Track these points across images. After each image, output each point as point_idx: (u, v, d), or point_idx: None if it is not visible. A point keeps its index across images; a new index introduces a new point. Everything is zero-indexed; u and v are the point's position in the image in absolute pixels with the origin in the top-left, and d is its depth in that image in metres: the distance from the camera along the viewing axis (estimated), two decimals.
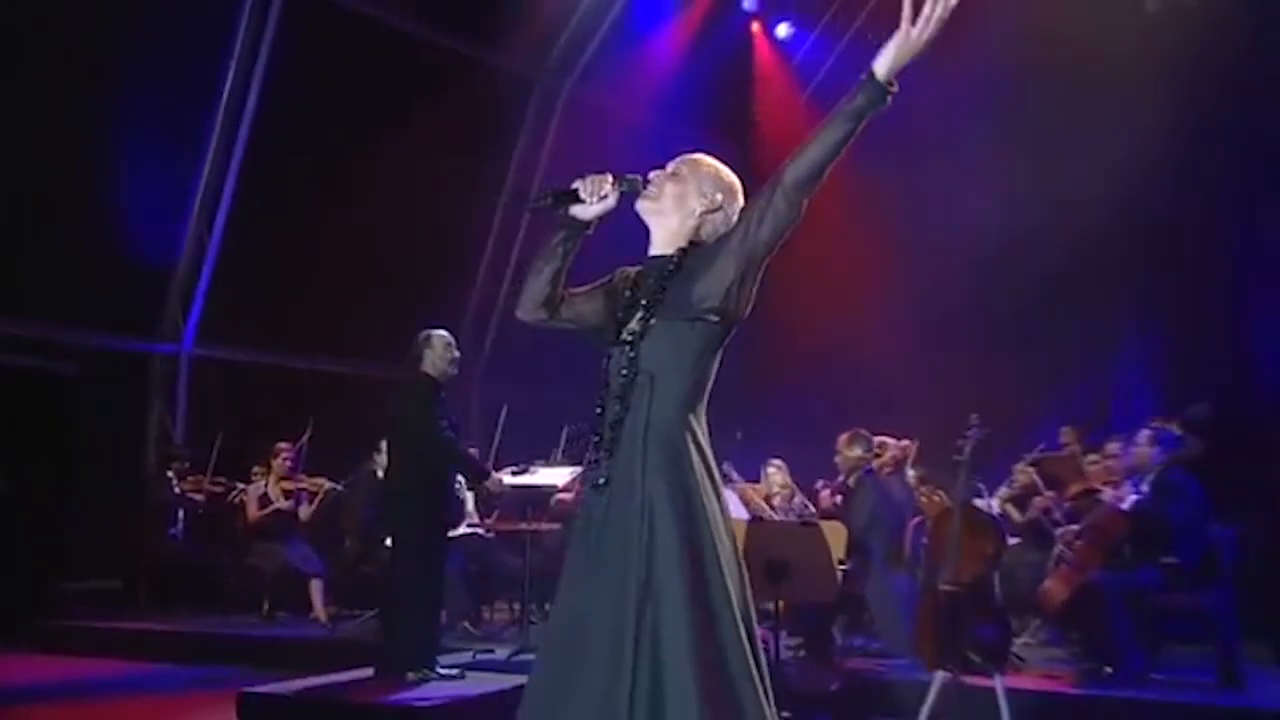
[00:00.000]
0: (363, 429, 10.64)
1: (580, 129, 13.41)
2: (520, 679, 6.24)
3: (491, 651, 7.29)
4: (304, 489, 9.96)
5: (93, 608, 10.27)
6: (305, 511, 9.82)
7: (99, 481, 10.93)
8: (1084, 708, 6.22)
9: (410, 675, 6.14)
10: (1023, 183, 10.82)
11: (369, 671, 6.43)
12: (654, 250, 3.09)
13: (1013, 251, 11.24)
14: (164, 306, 11.48)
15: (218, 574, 10.38)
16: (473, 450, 8.82)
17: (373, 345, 12.16)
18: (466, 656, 6.88)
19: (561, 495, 8.81)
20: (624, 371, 2.93)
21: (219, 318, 11.63)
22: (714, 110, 13.57)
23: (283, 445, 10.16)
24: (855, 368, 12.09)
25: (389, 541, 6.85)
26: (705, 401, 2.97)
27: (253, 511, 9.98)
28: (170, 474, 10.55)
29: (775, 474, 8.94)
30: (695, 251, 3.02)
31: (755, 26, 13.45)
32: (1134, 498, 6.76)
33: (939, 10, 2.60)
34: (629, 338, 2.96)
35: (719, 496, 2.91)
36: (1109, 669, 6.49)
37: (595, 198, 3.03)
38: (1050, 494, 8.06)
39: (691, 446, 2.87)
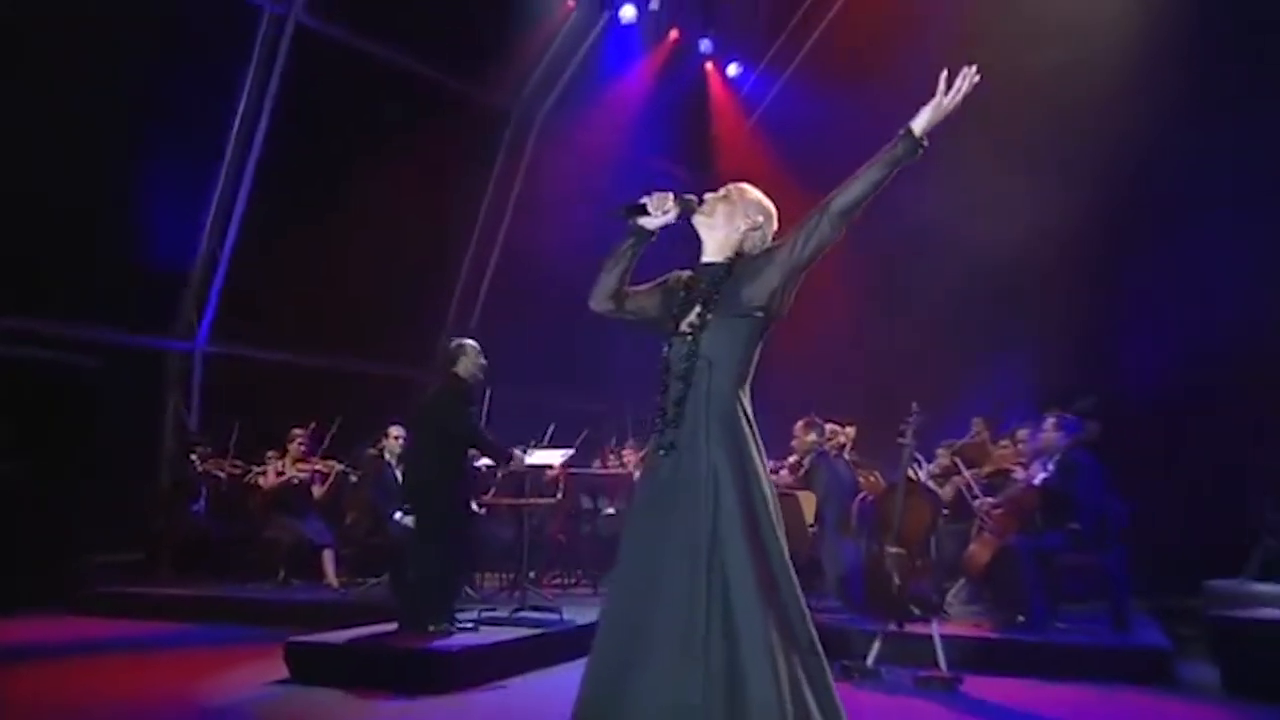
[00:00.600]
0: (359, 418, 10.86)
1: (552, 155, 13.45)
2: (522, 632, 6.68)
3: (494, 610, 7.36)
4: (318, 470, 9.96)
5: (118, 577, 10.16)
6: (318, 490, 9.84)
7: (120, 466, 10.82)
8: (1002, 649, 6.49)
9: (432, 628, 6.30)
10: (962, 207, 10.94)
11: (393, 626, 6.55)
12: (706, 258, 3.36)
13: (950, 268, 11.24)
14: (179, 308, 11.41)
15: (237, 546, 10.33)
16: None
17: (369, 344, 12.44)
18: (473, 614, 6.98)
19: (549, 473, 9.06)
20: (686, 357, 3.17)
21: (230, 318, 11.58)
22: (673, 139, 13.63)
23: (297, 431, 10.15)
24: (807, 363, 12.11)
25: (413, 516, 6.92)
26: (750, 382, 3.21)
27: (269, 479, 9.96)
28: (193, 456, 10.48)
29: None
30: (742, 261, 3.28)
31: (709, 66, 13.53)
32: (1043, 474, 7.11)
33: (965, 87, 2.96)
34: (689, 330, 3.20)
35: (762, 458, 3.15)
36: (1021, 618, 6.83)
37: (660, 212, 3.28)
38: (969, 473, 8.23)
39: (742, 418, 3.13)
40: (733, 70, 13.54)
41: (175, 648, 7.82)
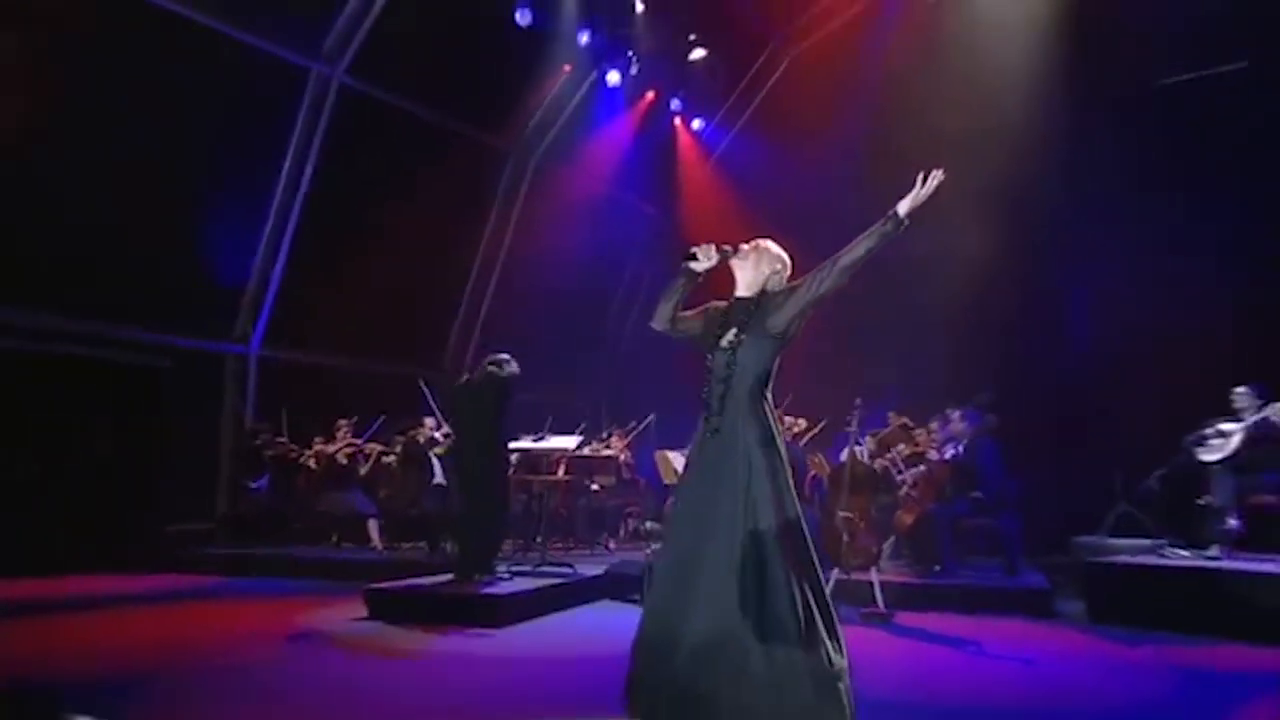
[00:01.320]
0: (383, 410, 11.08)
1: (545, 190, 13.46)
2: (546, 581, 7.10)
3: (521, 565, 7.63)
4: (362, 452, 10.16)
5: (192, 542, 10.37)
6: (363, 469, 10.02)
7: (189, 450, 10.95)
8: (923, 591, 6.98)
9: (477, 576, 6.75)
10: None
11: (449, 577, 6.96)
12: (740, 292, 3.83)
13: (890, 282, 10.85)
14: (236, 317, 11.50)
15: (293, 516, 10.48)
16: None
17: (391, 349, 12.53)
18: (503, 568, 7.25)
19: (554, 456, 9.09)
20: (726, 366, 3.66)
21: (279, 327, 11.66)
22: (647, 178, 13.77)
23: (342, 421, 10.36)
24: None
25: (462, 490, 7.27)
26: (771, 385, 3.68)
27: (320, 460, 10.24)
28: (258, 441, 10.63)
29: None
30: (766, 297, 3.76)
31: (678, 121, 13.70)
32: (954, 454, 7.66)
33: (932, 185, 3.42)
34: (728, 346, 3.67)
35: (780, 437, 3.65)
36: (938, 567, 7.42)
37: (706, 258, 3.73)
38: (891, 454, 8.63)
39: (766, 409, 3.63)
40: (696, 124, 13.78)
41: (256, 596, 8.03)
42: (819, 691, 3.30)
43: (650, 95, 13.03)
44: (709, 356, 3.76)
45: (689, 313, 3.90)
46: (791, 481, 3.59)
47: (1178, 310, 9.23)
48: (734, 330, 3.70)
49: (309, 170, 11.29)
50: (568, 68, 12.24)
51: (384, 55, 11.18)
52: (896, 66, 11.71)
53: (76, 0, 9.01)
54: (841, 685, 3.35)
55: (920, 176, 3.48)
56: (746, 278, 3.82)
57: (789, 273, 3.87)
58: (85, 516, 9.67)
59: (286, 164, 11.25)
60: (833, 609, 3.51)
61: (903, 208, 3.51)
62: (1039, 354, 10.35)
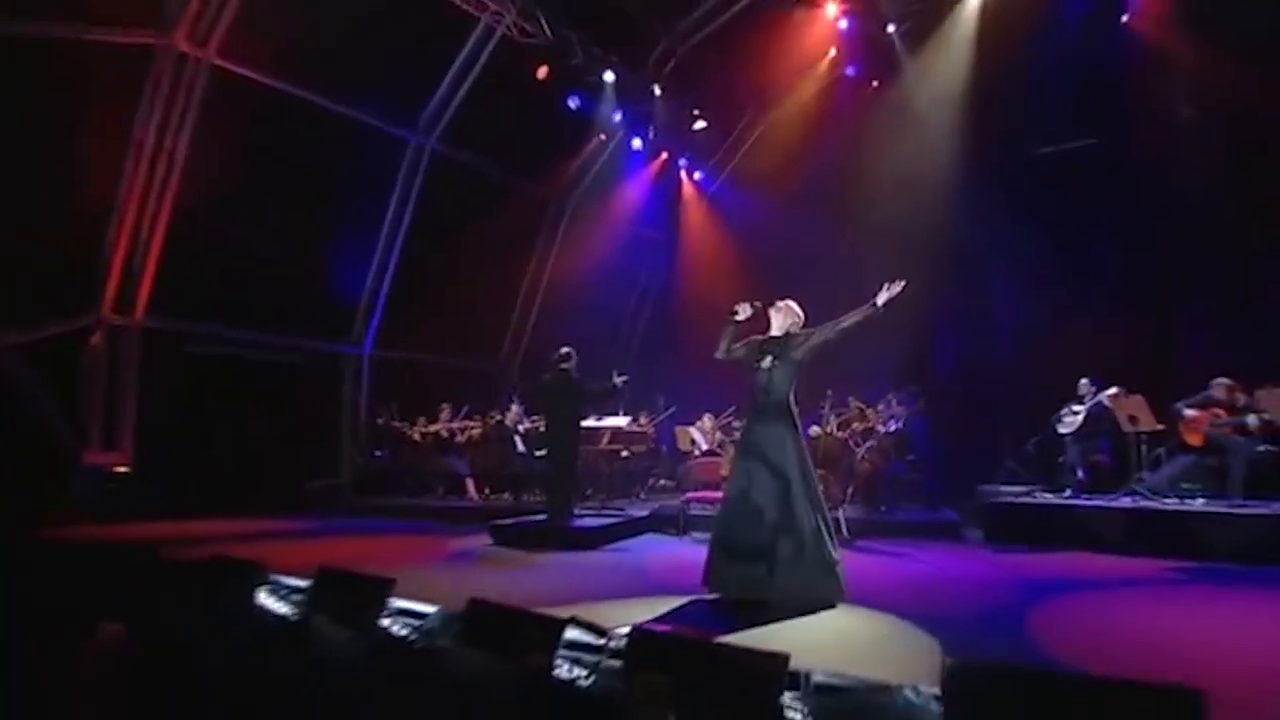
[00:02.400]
0: (462, 395, 12.08)
1: (580, 227, 14.37)
2: (610, 519, 8.19)
3: (588, 508, 8.74)
4: (462, 427, 11.14)
5: (328, 493, 11.39)
6: (461, 440, 10.99)
7: (318, 425, 12.08)
8: (873, 523, 7.89)
9: (560, 514, 7.80)
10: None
11: (543, 516, 8.05)
12: (772, 333, 4.90)
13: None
14: (353, 325, 12.50)
15: (406, 476, 11.42)
16: None
17: (466, 349, 13.62)
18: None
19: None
20: (766, 382, 4.77)
21: (386, 333, 12.67)
22: (658, 216, 14.48)
23: (444, 404, 11.36)
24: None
25: (549, 457, 8.12)
26: (793, 391, 4.70)
27: (425, 432, 11.23)
28: (379, 420, 11.65)
29: (707, 420, 10.30)
30: (789, 336, 4.84)
31: (684, 173, 14.40)
32: (894, 428, 8.80)
33: (896, 290, 4.47)
34: (767, 368, 4.78)
35: (798, 422, 4.75)
36: (883, 507, 8.42)
37: (744, 312, 4.85)
38: (851, 428, 9.30)
39: (793, 410, 4.73)
40: (697, 175, 14.47)
41: (393, 532, 8.76)
42: (823, 571, 4.66)
43: (664, 155, 13.85)
44: (754, 375, 4.91)
45: (738, 345, 5.05)
46: (805, 448, 4.91)
47: (1051, 320, 9.87)
48: (770, 358, 4.90)
49: (407, 214, 12.32)
50: (603, 136, 13.15)
51: (464, 128, 12.17)
52: (847, 131, 12.23)
53: (238, 95, 10.03)
54: (838, 569, 4.75)
55: (886, 285, 4.57)
56: (778, 323, 5.01)
57: (803, 320, 5.05)
58: (250, 472, 10.65)
59: (390, 209, 12.28)
60: (831, 526, 4.84)
61: (880, 300, 4.62)
62: (954, 352, 10.96)
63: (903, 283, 4.60)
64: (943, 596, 5.18)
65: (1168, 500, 7.10)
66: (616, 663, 3.31)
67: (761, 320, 5.11)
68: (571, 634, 3.45)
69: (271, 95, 10.33)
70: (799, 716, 2.70)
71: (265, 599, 4.91)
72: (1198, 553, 6.25)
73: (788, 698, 2.77)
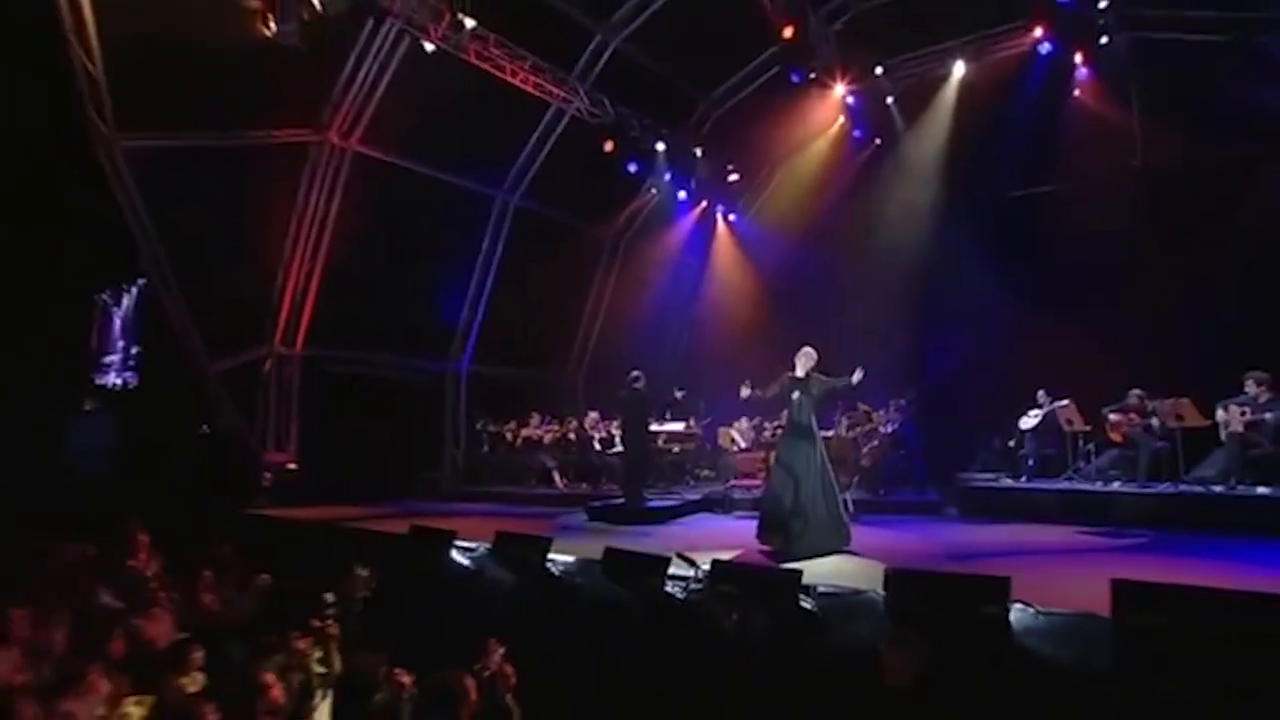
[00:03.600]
0: (537, 403, 13.89)
1: (632, 264, 15.94)
2: (673, 501, 9.88)
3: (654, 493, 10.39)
4: (548, 429, 12.84)
5: (434, 484, 13.02)
6: (550, 439, 12.72)
7: (427, 427, 13.85)
8: (873, 503, 9.30)
9: (636, 499, 9.59)
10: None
11: (621, 500, 9.78)
12: (797, 374, 6.61)
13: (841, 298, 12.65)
14: (451, 345, 14.27)
15: (503, 469, 13.14)
16: None
17: (541, 364, 15.35)
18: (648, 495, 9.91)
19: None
20: (797, 410, 6.56)
21: (478, 352, 14.41)
22: (697, 252, 15.75)
23: (534, 411, 13.14)
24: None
25: (626, 453, 9.97)
26: (815, 413, 6.54)
27: (519, 435, 12.98)
28: (479, 424, 13.52)
29: (744, 422, 11.53)
30: (810, 378, 6.54)
31: (719, 216, 15.45)
32: (893, 429, 10.33)
33: (859, 376, 6.33)
34: (795, 401, 6.53)
35: (817, 432, 6.51)
36: (882, 491, 9.85)
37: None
38: (858, 429, 10.75)
39: (814, 429, 6.45)
40: (732, 218, 15.48)
41: (501, 514, 9.82)
42: (837, 527, 6.56)
43: (704, 203, 15.21)
44: (788, 405, 6.79)
45: (773, 384, 6.92)
46: (824, 453, 6.74)
47: (1015, 339, 10.73)
48: (797, 393, 6.74)
49: (495, 255, 14.21)
50: (654, 190, 14.88)
51: (540, 186, 14.01)
52: (853, 179, 13.56)
53: (372, 172, 11.99)
54: (844, 530, 6.60)
55: (858, 370, 6.35)
56: (801, 366, 6.83)
57: (817, 360, 6.85)
58: (376, 466, 12.42)
59: (482, 251, 14.17)
60: (840, 503, 6.69)
61: (855, 378, 6.43)
62: (939, 366, 11.70)
63: (863, 372, 6.36)
64: (912, 549, 6.95)
65: (1095, 483, 8.77)
66: (701, 584, 5.21)
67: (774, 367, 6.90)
68: (672, 569, 5.36)
69: (395, 170, 12.33)
70: (810, 606, 4.58)
71: (454, 554, 6.90)
72: (1113, 521, 7.89)
73: (803, 598, 4.65)
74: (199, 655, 3.98)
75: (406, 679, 3.73)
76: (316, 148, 11.55)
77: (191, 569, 6.27)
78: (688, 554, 5.52)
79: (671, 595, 5.11)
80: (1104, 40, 10.91)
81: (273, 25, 8.67)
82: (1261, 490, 7.47)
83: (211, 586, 6.00)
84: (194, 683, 3.77)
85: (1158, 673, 3.37)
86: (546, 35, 12.09)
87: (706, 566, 5.14)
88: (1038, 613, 3.94)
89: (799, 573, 4.61)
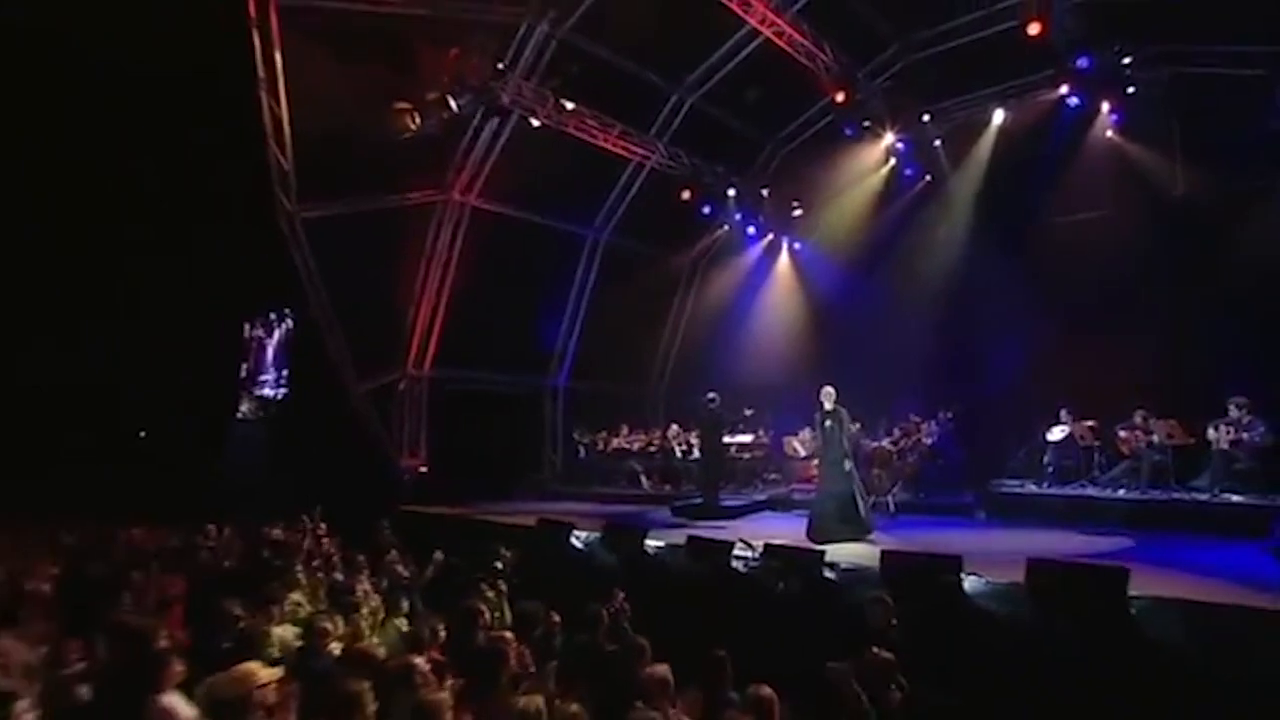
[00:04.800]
0: (624, 416, 16.08)
1: (708, 289, 17.78)
2: (741, 501, 11.68)
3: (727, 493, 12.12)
4: (635, 439, 14.95)
5: (537, 483, 15.33)
6: (637, 447, 14.74)
7: (529, 435, 16.09)
8: (913, 505, 10.84)
9: (711, 498, 11.38)
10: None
11: (700, 500, 11.60)
12: (826, 407, 8.62)
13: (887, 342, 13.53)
14: (550, 364, 16.45)
15: (597, 472, 15.29)
16: None
17: (628, 380, 17.31)
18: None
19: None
20: (826, 436, 8.54)
21: (574, 369, 16.54)
22: (768, 279, 17.16)
23: (624, 422, 15.28)
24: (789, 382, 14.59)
25: (703, 459, 11.92)
26: (846, 434, 8.56)
27: (610, 444, 15.09)
28: (575, 434, 15.70)
29: (806, 433, 12.59)
30: (836, 410, 8.49)
31: (785, 244, 16.82)
32: (932, 440, 11.87)
33: (856, 427, 8.36)
34: (827, 428, 8.48)
35: (848, 445, 8.54)
36: (921, 494, 11.29)
37: (828, 402, 8.86)
38: (904, 440, 12.10)
39: (845, 448, 8.40)
40: (796, 246, 16.70)
41: (601, 511, 11.65)
42: (854, 523, 8.43)
43: (771, 235, 16.79)
44: (820, 429, 8.76)
45: (817, 415, 8.88)
46: (853, 466, 8.60)
47: (1042, 359, 11.77)
48: (829, 422, 8.69)
49: (588, 285, 16.37)
50: (726, 227, 16.74)
51: (626, 224, 16.07)
52: (899, 212, 14.86)
53: (486, 221, 14.37)
54: (865, 520, 8.46)
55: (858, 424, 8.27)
56: (828, 395, 8.82)
57: (835, 395, 8.76)
58: (489, 469, 14.65)
59: (575, 283, 16.34)
60: (868, 503, 8.55)
61: (855, 428, 8.39)
62: (975, 384, 12.65)
63: (859, 425, 8.29)
64: (931, 541, 8.68)
65: (1105, 490, 10.29)
66: (757, 562, 7.19)
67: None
68: (737, 550, 7.37)
69: (504, 219, 14.65)
70: (831, 576, 6.52)
71: (573, 540, 9.02)
72: (1114, 524, 9.33)
73: (826, 571, 6.59)
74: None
75: (556, 617, 5.80)
76: (442, 205, 13.98)
77: (363, 551, 8.44)
78: (748, 540, 7.51)
79: (736, 569, 7.11)
80: (1130, 90, 12.16)
81: (417, 121, 11.02)
82: (1236, 498, 8.90)
83: (399, 560, 8.25)
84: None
85: (1052, 617, 5.18)
86: (630, 96, 14.20)
87: (760, 549, 7.12)
88: (986, 580, 5.77)
89: (823, 553, 6.56)
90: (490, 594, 6.26)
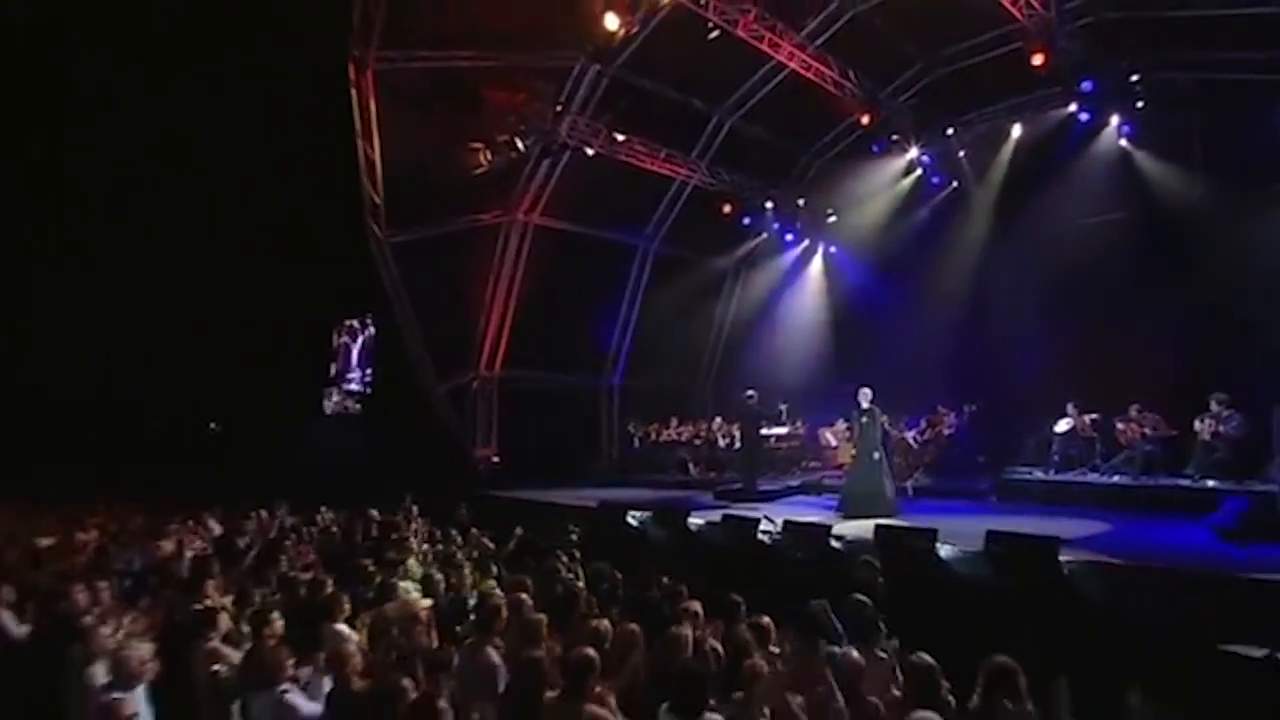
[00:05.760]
0: (673, 410, 17.65)
1: (747, 294, 19.16)
2: (778, 485, 13.18)
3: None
4: (682, 431, 16.48)
5: (593, 471, 16.92)
6: (684, 438, 16.29)
7: (586, 429, 17.87)
8: (932, 489, 12.06)
9: (749, 485, 13.10)
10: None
11: (739, 485, 13.36)
12: (863, 405, 10.10)
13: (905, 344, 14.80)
14: (605, 363, 18.08)
15: (649, 461, 16.85)
16: None
17: (679, 375, 18.78)
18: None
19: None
20: (860, 430, 10.09)
21: (627, 369, 18.15)
22: (805, 281, 18.56)
23: (672, 416, 16.95)
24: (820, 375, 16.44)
25: (744, 448, 13.60)
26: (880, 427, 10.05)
27: (660, 435, 16.76)
28: (630, 427, 17.39)
29: (840, 424, 14.38)
30: (871, 409, 9.95)
31: (819, 250, 18.09)
32: (950, 431, 13.19)
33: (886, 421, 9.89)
34: (864, 424, 10.01)
35: (879, 445, 10.10)
36: (941, 480, 12.42)
37: (865, 402, 10.43)
38: (928, 431, 13.38)
39: (876, 440, 9.95)
40: (832, 250, 17.94)
41: (647, 498, 13.64)
42: (888, 504, 9.95)
43: (807, 241, 17.99)
44: (857, 424, 10.27)
45: (854, 413, 10.40)
46: (883, 453, 10.06)
47: (1049, 358, 12.80)
48: (865, 418, 10.16)
49: (640, 291, 17.95)
50: (765, 235, 18.11)
51: (673, 234, 17.62)
52: (926, 217, 15.95)
53: (547, 236, 16.19)
54: (890, 501, 9.97)
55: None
56: (865, 400, 10.30)
57: (871, 395, 10.25)
58: (551, 459, 16.33)
59: (628, 288, 17.96)
60: (895, 486, 10.01)
61: (885, 423, 9.90)
62: (994, 377, 13.69)
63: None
64: (942, 520, 10.09)
65: (1104, 476, 11.53)
66: (780, 535, 8.79)
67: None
68: (762, 525, 8.98)
69: (563, 233, 16.41)
70: (837, 545, 8.08)
71: (629, 519, 10.72)
72: (1111, 507, 10.55)
73: (833, 541, 8.16)
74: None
75: (619, 574, 7.49)
76: (508, 224, 15.80)
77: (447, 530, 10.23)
78: (771, 517, 9.11)
79: (761, 541, 8.72)
80: (1140, 105, 13.16)
81: (489, 158, 12.80)
82: (1211, 484, 10.09)
83: (483, 535, 10.06)
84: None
85: (1004, 576, 6.66)
86: (675, 120, 15.75)
87: (780, 525, 8.71)
88: (955, 548, 7.26)
89: (829, 527, 8.12)
90: (565, 560, 7.97)
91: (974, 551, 7.15)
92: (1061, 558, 6.52)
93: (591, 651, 3.97)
